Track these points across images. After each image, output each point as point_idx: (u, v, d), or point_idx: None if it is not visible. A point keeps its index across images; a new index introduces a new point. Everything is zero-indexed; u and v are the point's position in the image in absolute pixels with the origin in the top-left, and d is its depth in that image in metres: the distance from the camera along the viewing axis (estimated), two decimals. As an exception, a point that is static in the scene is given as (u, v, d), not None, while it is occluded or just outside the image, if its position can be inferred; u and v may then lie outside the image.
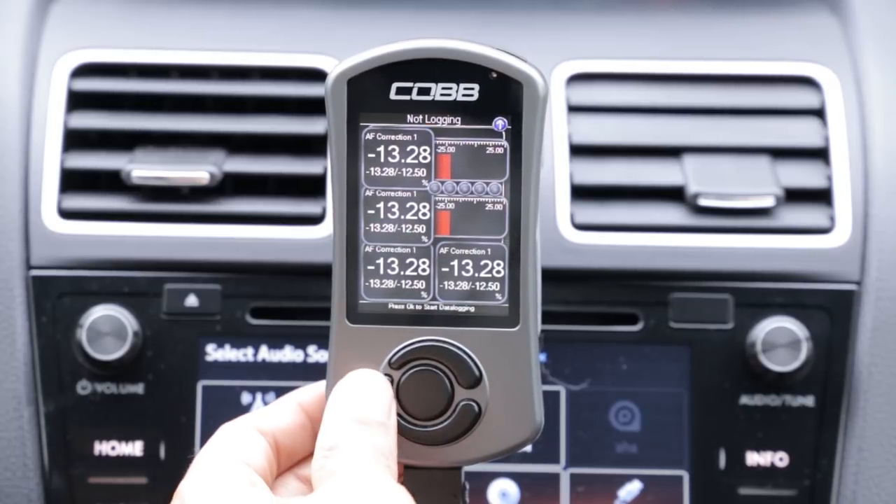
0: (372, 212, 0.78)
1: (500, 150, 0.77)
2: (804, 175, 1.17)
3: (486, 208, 0.77)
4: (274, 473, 0.77)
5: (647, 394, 1.14)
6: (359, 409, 0.75)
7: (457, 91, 0.76)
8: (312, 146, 1.18)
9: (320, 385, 0.80)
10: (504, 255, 0.77)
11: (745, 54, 1.22)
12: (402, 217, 0.78)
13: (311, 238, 1.15)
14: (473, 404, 0.77)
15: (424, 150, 0.77)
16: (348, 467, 0.73)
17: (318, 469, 0.73)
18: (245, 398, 1.13)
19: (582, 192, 1.17)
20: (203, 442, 1.11)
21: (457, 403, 0.77)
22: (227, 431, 0.77)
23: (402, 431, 0.77)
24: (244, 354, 1.14)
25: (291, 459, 0.79)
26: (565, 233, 1.15)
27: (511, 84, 0.76)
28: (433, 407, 0.77)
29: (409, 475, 0.78)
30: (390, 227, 0.78)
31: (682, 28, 1.25)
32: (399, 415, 0.77)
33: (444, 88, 0.76)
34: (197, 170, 1.14)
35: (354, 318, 0.78)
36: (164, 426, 1.13)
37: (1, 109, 1.17)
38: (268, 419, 0.78)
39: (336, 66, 0.77)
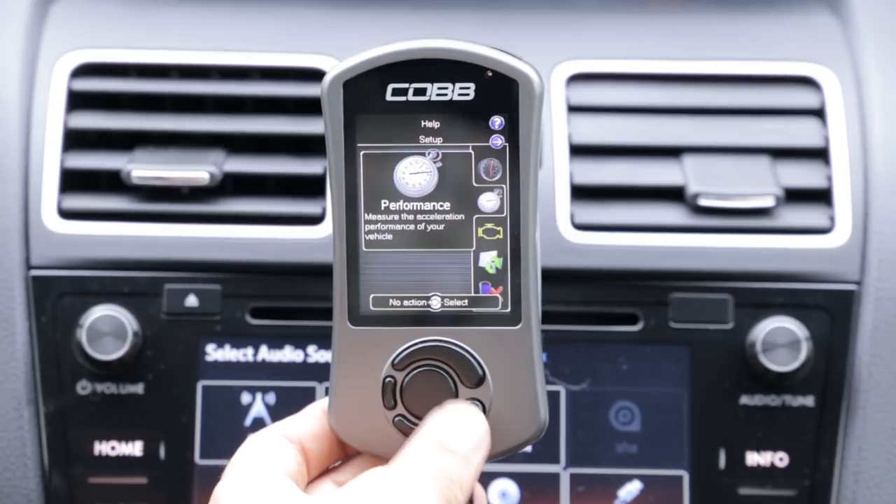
0: (371, 213, 0.78)
1: (497, 149, 0.77)
2: (804, 175, 1.17)
3: (486, 207, 0.77)
4: (305, 478, 0.78)
5: (647, 394, 1.14)
6: (445, 436, 0.75)
7: (452, 91, 0.76)
8: (312, 146, 1.18)
9: None
10: (505, 254, 0.77)
11: (744, 54, 1.22)
12: (402, 218, 0.78)
13: (311, 238, 1.15)
14: (477, 404, 0.77)
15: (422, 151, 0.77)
16: (399, 473, 0.73)
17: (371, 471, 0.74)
18: (245, 398, 1.13)
19: (582, 192, 1.17)
20: (203, 442, 1.12)
21: (461, 403, 0.78)
22: (257, 440, 0.77)
23: (407, 433, 0.77)
24: (244, 354, 1.14)
25: (321, 464, 0.79)
26: (565, 233, 1.15)
27: (506, 82, 0.76)
28: (438, 407, 0.78)
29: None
30: (390, 228, 0.78)
31: (682, 28, 1.25)
32: (404, 416, 0.78)
33: (439, 88, 0.77)
34: (197, 170, 1.14)
35: (356, 320, 0.78)
36: (164, 426, 1.13)
37: (1, 109, 1.17)
38: (293, 427, 0.79)
39: (331, 69, 0.77)
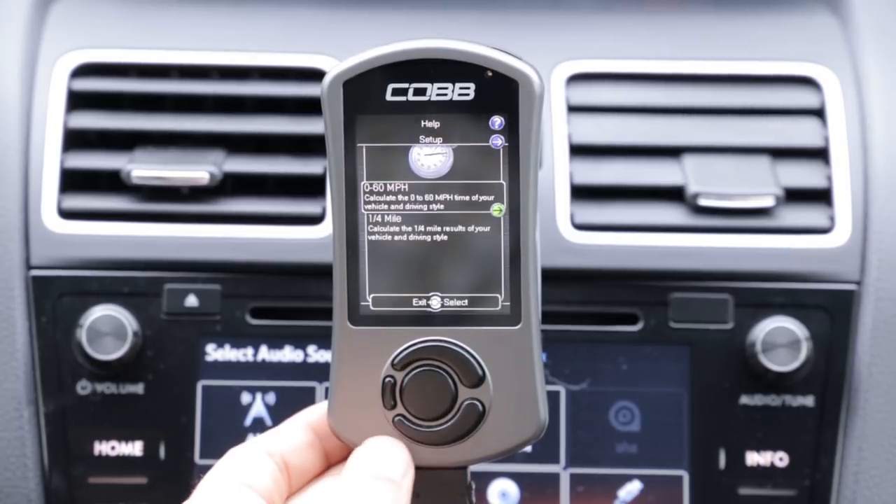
0: (372, 214, 0.78)
1: (497, 149, 0.77)
2: (804, 175, 1.17)
3: (486, 207, 0.77)
4: (283, 493, 0.77)
5: (647, 394, 1.14)
6: (376, 467, 0.76)
7: (452, 91, 0.76)
8: (312, 146, 1.17)
9: (326, 404, 0.80)
10: (505, 254, 0.77)
11: (745, 54, 1.22)
12: (402, 218, 0.78)
13: (311, 238, 1.15)
14: (477, 403, 0.77)
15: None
16: (342, 496, 0.74)
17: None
18: (245, 398, 1.13)
19: (582, 192, 1.17)
20: (203, 442, 1.12)
21: (461, 403, 0.78)
22: (234, 455, 0.77)
23: (407, 433, 0.77)
24: (244, 354, 1.14)
25: (304, 477, 0.79)
26: (565, 233, 1.15)
27: (507, 82, 0.76)
28: (437, 407, 0.78)
29: (415, 476, 0.78)
30: (390, 229, 0.78)
31: (681, 28, 1.25)
32: (403, 416, 0.78)
33: (439, 88, 0.76)
34: (197, 170, 1.14)
35: (356, 319, 0.78)
36: (164, 426, 1.13)
37: (1, 109, 1.17)
38: (275, 441, 0.79)
39: (331, 69, 0.77)
